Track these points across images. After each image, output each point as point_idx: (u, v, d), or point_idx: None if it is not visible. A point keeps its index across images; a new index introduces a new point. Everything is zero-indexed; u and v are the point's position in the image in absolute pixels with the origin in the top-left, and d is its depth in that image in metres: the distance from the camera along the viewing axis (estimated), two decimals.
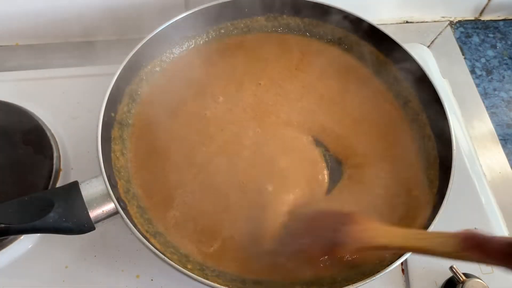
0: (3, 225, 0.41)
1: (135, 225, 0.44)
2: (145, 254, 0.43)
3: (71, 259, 0.51)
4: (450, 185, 0.47)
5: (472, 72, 0.72)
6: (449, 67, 0.71)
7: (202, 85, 0.58)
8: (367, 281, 0.42)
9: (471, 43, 0.76)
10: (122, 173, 0.50)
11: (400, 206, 0.51)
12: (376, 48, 0.60)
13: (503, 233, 0.54)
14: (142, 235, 0.43)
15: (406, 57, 0.56)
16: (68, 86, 0.63)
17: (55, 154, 0.55)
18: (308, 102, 0.58)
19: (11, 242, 0.50)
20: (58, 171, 0.55)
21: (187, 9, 0.65)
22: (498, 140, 0.65)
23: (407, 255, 0.43)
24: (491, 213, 0.55)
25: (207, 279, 0.41)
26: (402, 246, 0.38)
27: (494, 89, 0.71)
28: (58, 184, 0.54)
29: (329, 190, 0.52)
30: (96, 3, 0.65)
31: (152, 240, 0.46)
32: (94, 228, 0.44)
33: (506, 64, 0.74)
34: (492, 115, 0.68)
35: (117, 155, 0.51)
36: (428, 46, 0.74)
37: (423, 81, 0.55)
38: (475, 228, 0.54)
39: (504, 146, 0.65)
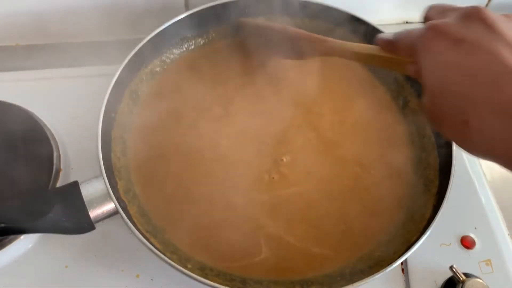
0: (3, 225, 0.41)
1: (135, 225, 0.44)
2: (145, 254, 0.43)
3: (71, 259, 0.51)
4: (450, 185, 0.47)
5: None
6: None
7: (203, 85, 0.58)
8: (367, 280, 0.42)
9: None
10: (122, 173, 0.50)
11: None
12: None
13: (503, 233, 0.54)
14: (142, 235, 0.43)
15: None
16: (68, 86, 0.63)
17: (55, 154, 0.55)
18: (307, 101, 0.58)
19: (11, 242, 0.50)
20: (58, 171, 0.55)
21: (187, 9, 0.65)
22: None
23: (407, 255, 0.43)
24: (491, 213, 0.55)
25: (207, 279, 0.41)
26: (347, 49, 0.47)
27: None
28: (58, 184, 0.54)
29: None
30: (96, 3, 0.65)
31: (152, 240, 0.46)
32: (94, 228, 0.44)
33: None
34: None
35: (117, 155, 0.51)
36: None
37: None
38: (475, 228, 0.54)
39: None
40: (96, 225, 0.44)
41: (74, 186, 0.44)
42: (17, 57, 0.68)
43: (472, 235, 0.53)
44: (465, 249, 0.52)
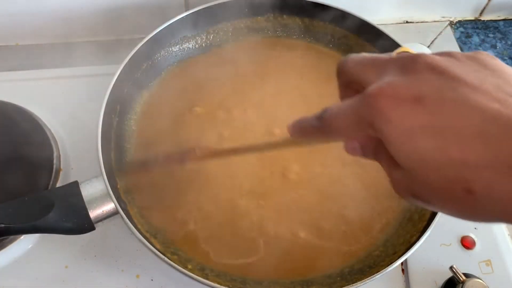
0: (3, 225, 0.41)
1: (135, 225, 0.44)
2: (145, 254, 0.43)
3: (71, 259, 0.51)
4: None
5: None
6: None
7: (203, 85, 0.58)
8: (367, 281, 0.42)
9: (471, 43, 0.76)
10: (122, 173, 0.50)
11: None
12: (376, 48, 0.60)
13: (503, 233, 0.54)
14: (142, 235, 0.43)
15: None
16: (68, 86, 0.63)
17: (55, 154, 0.55)
18: (307, 102, 0.58)
19: (11, 242, 0.50)
20: (58, 171, 0.55)
21: (187, 9, 0.65)
22: None
23: (407, 255, 0.43)
24: None
25: (207, 279, 0.41)
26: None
27: None
28: (58, 184, 0.54)
29: None
30: (96, 3, 0.65)
31: (152, 240, 0.46)
32: (94, 228, 0.44)
33: (506, 64, 0.74)
34: None
35: (118, 155, 0.51)
36: (428, 46, 0.74)
37: None
38: (475, 228, 0.54)
39: None
40: (96, 225, 0.44)
41: (74, 186, 0.44)
42: (17, 57, 0.68)
43: (472, 235, 0.53)
44: (465, 249, 0.52)
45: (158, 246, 0.45)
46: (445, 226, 0.52)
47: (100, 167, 0.45)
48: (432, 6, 0.77)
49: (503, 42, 0.76)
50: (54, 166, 0.54)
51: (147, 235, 0.46)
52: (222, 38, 0.63)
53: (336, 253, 0.48)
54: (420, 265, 0.51)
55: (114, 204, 0.44)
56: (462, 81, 0.24)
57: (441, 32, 0.77)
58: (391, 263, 0.42)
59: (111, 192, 0.44)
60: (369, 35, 0.59)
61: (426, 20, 0.78)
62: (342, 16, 0.59)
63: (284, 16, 0.63)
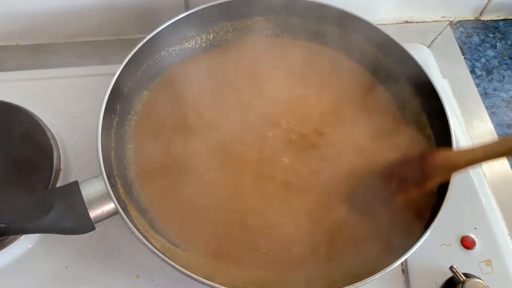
0: (3, 225, 0.41)
1: (135, 225, 0.44)
2: (145, 254, 0.43)
3: (71, 259, 0.51)
4: (450, 185, 0.47)
5: (472, 72, 0.72)
6: (449, 67, 0.71)
7: (203, 85, 0.58)
8: (367, 281, 0.42)
9: (471, 43, 0.76)
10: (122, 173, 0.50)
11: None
12: (376, 48, 0.60)
13: (503, 233, 0.54)
14: (142, 235, 0.43)
15: (406, 57, 0.56)
16: (68, 86, 0.63)
17: (55, 154, 0.55)
18: (304, 100, 0.58)
19: (11, 242, 0.50)
20: (58, 171, 0.55)
21: (187, 9, 0.65)
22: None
23: (407, 255, 0.43)
24: (491, 213, 0.55)
25: (208, 279, 0.41)
26: (477, 159, 0.44)
27: (494, 89, 0.71)
28: (58, 184, 0.54)
29: None
30: (96, 3, 0.65)
31: (152, 240, 0.46)
32: (94, 228, 0.44)
33: (506, 64, 0.74)
34: (492, 115, 0.68)
35: (118, 156, 0.51)
36: (428, 46, 0.74)
37: (423, 81, 0.55)
38: (475, 228, 0.54)
39: None
40: (96, 225, 0.44)
41: (74, 186, 0.44)
42: (17, 57, 0.68)
43: (472, 235, 0.53)
44: (465, 249, 0.52)
45: (158, 246, 0.45)
46: (445, 226, 0.52)
47: (100, 167, 0.45)
48: (432, 6, 0.77)
49: (503, 42, 0.76)
50: (54, 166, 0.54)
51: (147, 235, 0.46)
52: (222, 38, 0.63)
53: (335, 253, 0.48)
54: (420, 265, 0.51)
55: (114, 204, 0.44)
56: None
57: (441, 32, 0.77)
58: (391, 263, 0.42)
59: (111, 192, 0.44)
60: (368, 35, 0.59)
61: (426, 20, 0.78)
62: (341, 16, 0.59)
63: (284, 16, 0.62)
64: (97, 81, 0.53)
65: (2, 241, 0.50)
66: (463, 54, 0.74)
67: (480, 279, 0.47)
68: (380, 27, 0.58)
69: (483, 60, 0.74)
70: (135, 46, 0.54)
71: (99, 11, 0.67)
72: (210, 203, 0.50)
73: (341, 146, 0.54)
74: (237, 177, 0.52)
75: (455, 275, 0.47)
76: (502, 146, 0.42)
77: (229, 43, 0.63)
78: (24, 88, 0.63)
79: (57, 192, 0.45)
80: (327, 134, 0.55)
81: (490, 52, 0.75)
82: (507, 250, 0.52)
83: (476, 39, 0.77)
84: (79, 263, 0.50)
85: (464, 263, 0.50)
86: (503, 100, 0.70)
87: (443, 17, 0.79)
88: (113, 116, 0.52)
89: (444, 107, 0.52)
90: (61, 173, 0.55)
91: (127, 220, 0.43)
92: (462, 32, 0.77)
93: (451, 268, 0.47)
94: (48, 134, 0.57)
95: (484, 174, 0.60)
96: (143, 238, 0.42)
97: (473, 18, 0.79)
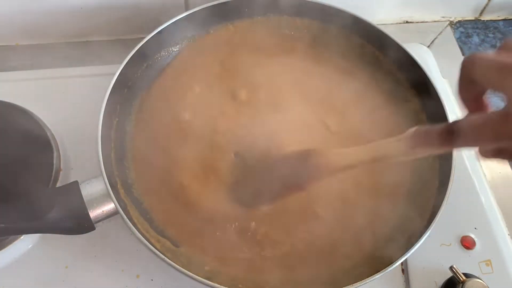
0: (3, 225, 0.41)
1: (135, 225, 0.44)
2: (145, 254, 0.43)
3: (71, 259, 0.51)
4: (450, 185, 0.47)
5: None
6: (449, 67, 0.71)
7: (202, 85, 0.58)
8: (367, 281, 0.42)
9: (471, 43, 0.76)
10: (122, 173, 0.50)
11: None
12: (376, 48, 0.60)
13: (503, 233, 0.54)
14: (142, 235, 0.43)
15: (406, 57, 0.56)
16: (68, 86, 0.63)
17: (55, 154, 0.55)
18: (305, 103, 0.58)
19: (11, 242, 0.50)
20: (58, 171, 0.55)
21: (187, 9, 0.65)
22: None
23: (407, 255, 0.43)
24: (491, 213, 0.55)
25: (208, 279, 0.41)
26: (364, 160, 0.41)
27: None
28: (58, 184, 0.54)
29: None
30: (96, 3, 0.65)
31: (152, 240, 0.46)
32: (94, 228, 0.44)
33: None
34: None
35: (118, 156, 0.51)
36: (428, 46, 0.74)
37: (423, 81, 0.55)
38: (475, 228, 0.54)
39: None
40: (96, 225, 0.44)
41: (74, 186, 0.44)
42: (17, 57, 0.68)
43: (472, 235, 0.53)
44: (465, 249, 0.52)
45: (158, 246, 0.45)
46: (445, 226, 0.52)
47: (100, 167, 0.45)
48: (432, 6, 0.77)
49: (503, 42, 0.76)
50: (54, 166, 0.54)
51: (147, 235, 0.46)
52: (222, 38, 0.63)
53: (335, 253, 0.48)
54: (420, 265, 0.51)
55: (114, 204, 0.44)
56: None
57: (441, 32, 0.77)
58: (391, 263, 0.42)
59: (111, 192, 0.44)
60: (368, 35, 0.59)
61: (426, 20, 0.78)
62: (341, 16, 0.59)
63: (284, 17, 0.62)
64: (97, 81, 0.53)
65: (2, 241, 0.50)
66: (463, 54, 0.74)
67: (480, 279, 0.47)
68: (380, 27, 0.58)
69: None
70: (135, 46, 0.54)
71: (99, 11, 0.67)
72: (210, 203, 0.50)
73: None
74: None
75: (455, 275, 0.47)
76: (377, 150, 0.39)
77: (230, 43, 0.63)
78: (24, 88, 0.63)
79: (57, 192, 0.45)
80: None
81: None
82: (507, 250, 0.52)
83: (476, 39, 0.77)
84: (79, 263, 0.50)
85: (464, 263, 0.50)
86: (503, 100, 0.70)
87: (443, 17, 0.79)
88: (113, 116, 0.52)
89: (444, 107, 0.52)
90: (61, 173, 0.55)
91: (127, 220, 0.43)
92: (462, 32, 0.77)
93: (451, 268, 0.47)
94: (48, 134, 0.57)
95: (484, 174, 0.60)
96: (143, 238, 0.42)
97: (473, 18, 0.79)
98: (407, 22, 0.78)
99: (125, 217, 0.43)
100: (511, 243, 0.54)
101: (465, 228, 0.54)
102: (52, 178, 0.53)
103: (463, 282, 0.46)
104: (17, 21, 0.67)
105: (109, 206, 0.44)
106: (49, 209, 0.42)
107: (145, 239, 0.42)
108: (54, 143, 0.56)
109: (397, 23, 0.77)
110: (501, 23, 0.78)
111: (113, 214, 0.44)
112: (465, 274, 0.47)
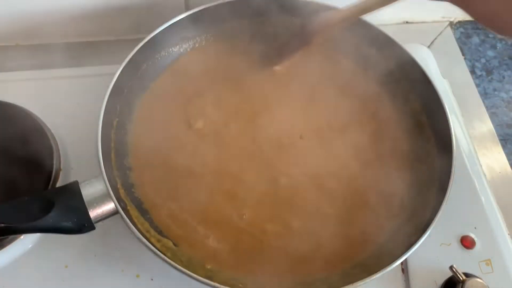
0: (3, 225, 0.41)
1: (135, 225, 0.44)
2: (145, 254, 0.43)
3: (71, 259, 0.51)
4: (450, 185, 0.47)
5: (472, 72, 0.72)
6: (449, 67, 0.71)
7: (202, 85, 0.58)
8: (367, 280, 0.42)
9: (471, 43, 0.76)
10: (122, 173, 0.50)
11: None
12: (376, 49, 0.60)
13: (503, 233, 0.54)
14: (142, 235, 0.43)
15: (406, 57, 0.56)
16: (68, 86, 0.63)
17: (55, 154, 0.55)
18: (302, 105, 0.58)
19: (11, 242, 0.50)
20: (58, 171, 0.55)
21: (187, 9, 0.65)
22: (498, 140, 0.65)
23: (407, 255, 0.43)
24: (491, 213, 0.55)
25: (208, 278, 0.41)
26: (355, 13, 0.52)
27: (494, 89, 0.71)
28: (58, 184, 0.54)
29: None
30: (96, 3, 0.65)
31: (152, 240, 0.46)
32: (94, 228, 0.44)
33: (506, 64, 0.74)
34: (492, 115, 0.68)
35: (118, 155, 0.51)
36: (428, 46, 0.74)
37: (423, 81, 0.55)
38: (475, 228, 0.54)
39: (504, 146, 0.65)
40: (96, 225, 0.44)
41: (74, 186, 0.44)
42: (17, 57, 0.68)
43: (472, 235, 0.53)
44: (465, 249, 0.52)
45: (158, 246, 0.45)
46: (445, 226, 0.52)
47: (100, 167, 0.45)
48: (432, 6, 0.76)
49: (503, 42, 0.76)
50: (54, 166, 0.54)
51: (147, 235, 0.46)
52: (222, 38, 0.63)
53: (335, 253, 0.48)
54: (420, 264, 0.51)
55: (114, 204, 0.44)
56: None
57: (441, 32, 0.77)
58: (391, 263, 0.42)
59: (111, 192, 0.44)
60: (368, 35, 0.59)
61: (426, 20, 0.78)
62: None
63: (285, 17, 0.62)
64: (97, 81, 0.53)
65: (2, 241, 0.50)
66: (463, 55, 0.74)
67: (480, 279, 0.47)
68: (380, 27, 0.58)
69: (483, 60, 0.74)
70: (135, 46, 0.54)
71: (99, 11, 0.67)
72: (211, 203, 0.50)
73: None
74: (238, 176, 0.52)
75: (455, 275, 0.47)
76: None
77: (230, 44, 0.63)
78: (24, 88, 0.63)
79: (57, 192, 0.45)
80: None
81: (490, 53, 0.75)
82: (507, 250, 0.52)
83: (476, 39, 0.77)
84: (79, 263, 0.50)
85: (464, 262, 0.50)
86: (503, 100, 0.70)
87: (443, 17, 0.79)
88: (113, 116, 0.52)
89: (444, 107, 0.52)
90: (61, 173, 0.55)
91: (127, 220, 0.43)
92: (462, 32, 0.77)
93: (451, 267, 0.47)
94: (48, 134, 0.57)
95: (484, 174, 0.60)
96: (143, 238, 0.42)
97: (473, 19, 0.79)
98: (407, 22, 0.78)
99: (125, 217, 0.43)
100: (511, 242, 0.54)
101: (465, 227, 0.54)
102: (52, 178, 0.53)
103: (463, 282, 0.46)
104: (17, 21, 0.67)
105: (109, 206, 0.44)
106: (49, 209, 0.42)
107: (145, 239, 0.43)
108: (54, 143, 0.56)
109: (397, 23, 0.77)
110: None
111: (113, 214, 0.44)
112: (465, 274, 0.47)
